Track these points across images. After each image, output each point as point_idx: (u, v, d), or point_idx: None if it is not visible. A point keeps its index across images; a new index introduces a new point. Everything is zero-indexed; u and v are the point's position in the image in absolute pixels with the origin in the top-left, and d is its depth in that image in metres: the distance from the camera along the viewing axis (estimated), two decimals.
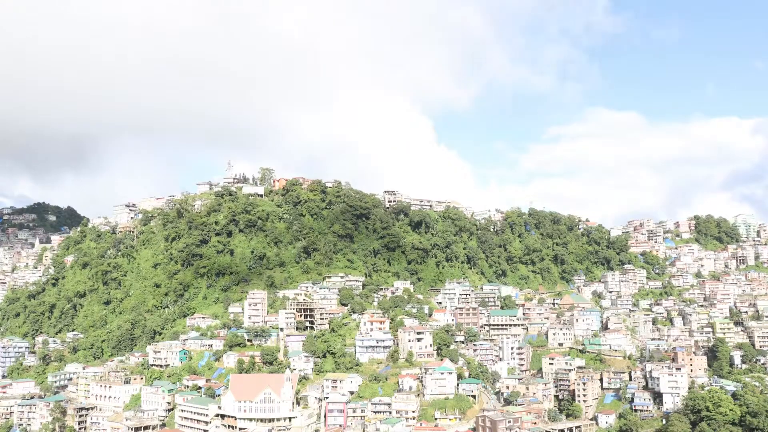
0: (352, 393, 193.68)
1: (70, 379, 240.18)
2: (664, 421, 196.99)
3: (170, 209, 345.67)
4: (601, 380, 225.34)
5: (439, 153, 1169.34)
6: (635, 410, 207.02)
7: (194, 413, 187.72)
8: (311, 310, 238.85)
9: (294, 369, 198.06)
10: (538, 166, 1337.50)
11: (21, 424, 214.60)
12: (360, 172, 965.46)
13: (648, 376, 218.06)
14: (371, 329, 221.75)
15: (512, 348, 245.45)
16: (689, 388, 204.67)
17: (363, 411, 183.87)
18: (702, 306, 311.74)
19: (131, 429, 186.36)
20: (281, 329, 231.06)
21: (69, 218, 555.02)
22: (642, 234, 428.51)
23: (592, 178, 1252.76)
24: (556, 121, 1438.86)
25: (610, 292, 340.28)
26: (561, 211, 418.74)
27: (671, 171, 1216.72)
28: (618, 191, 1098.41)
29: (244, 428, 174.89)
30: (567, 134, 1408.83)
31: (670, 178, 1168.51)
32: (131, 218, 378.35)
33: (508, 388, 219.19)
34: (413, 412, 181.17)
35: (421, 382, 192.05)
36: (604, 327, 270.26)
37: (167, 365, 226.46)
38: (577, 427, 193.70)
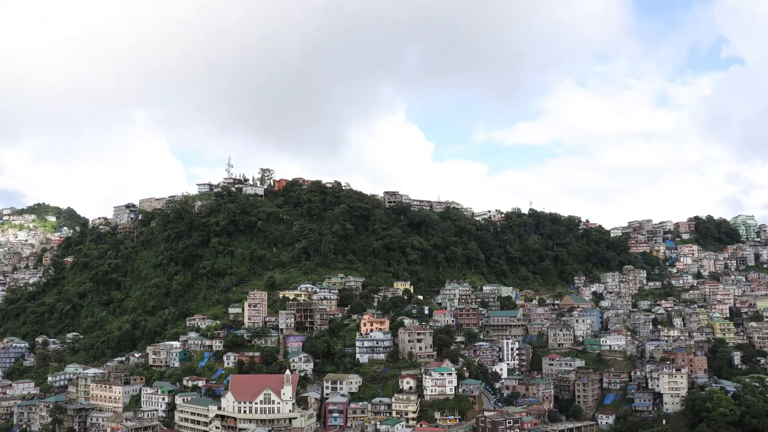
0: (352, 393, 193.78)
1: (70, 379, 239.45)
2: (664, 422, 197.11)
3: (170, 210, 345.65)
4: (600, 381, 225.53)
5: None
6: (635, 411, 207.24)
7: (194, 414, 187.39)
8: (311, 310, 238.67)
9: (294, 369, 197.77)
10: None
11: (21, 425, 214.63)
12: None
13: (648, 376, 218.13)
14: (371, 330, 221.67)
15: (512, 348, 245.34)
16: (689, 389, 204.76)
17: (363, 412, 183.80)
18: (702, 307, 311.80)
19: (131, 430, 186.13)
20: (281, 330, 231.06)
21: (69, 219, 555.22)
22: (642, 235, 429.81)
23: None
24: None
25: (610, 292, 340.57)
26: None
27: None
28: None
29: (244, 429, 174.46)
30: None
31: None
32: (131, 219, 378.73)
33: (508, 388, 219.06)
34: (413, 412, 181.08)
35: (421, 382, 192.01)
36: (604, 327, 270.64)
37: (167, 366, 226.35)
38: (577, 428, 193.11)
